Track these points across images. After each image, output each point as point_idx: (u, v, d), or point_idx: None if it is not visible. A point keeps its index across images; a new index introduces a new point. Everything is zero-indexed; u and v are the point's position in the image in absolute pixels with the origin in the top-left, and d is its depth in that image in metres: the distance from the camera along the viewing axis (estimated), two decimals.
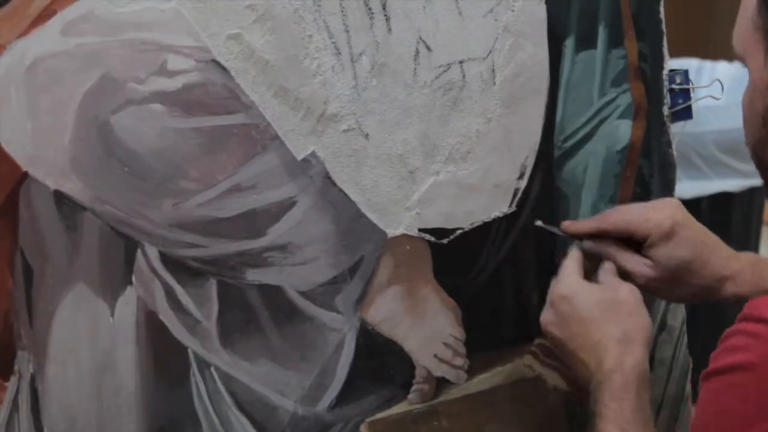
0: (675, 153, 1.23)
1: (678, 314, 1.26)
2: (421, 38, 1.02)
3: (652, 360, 1.25)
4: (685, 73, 1.21)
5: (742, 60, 0.90)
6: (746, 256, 1.08)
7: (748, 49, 0.88)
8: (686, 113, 1.21)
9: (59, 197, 0.89)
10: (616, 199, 1.19)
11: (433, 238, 1.06)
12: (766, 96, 0.87)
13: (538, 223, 1.10)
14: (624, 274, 1.05)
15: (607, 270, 1.04)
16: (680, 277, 1.05)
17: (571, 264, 1.04)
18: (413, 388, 1.07)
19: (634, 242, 1.06)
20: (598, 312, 0.98)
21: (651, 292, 1.06)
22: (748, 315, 0.80)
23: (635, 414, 0.93)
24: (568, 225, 1.08)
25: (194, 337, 0.95)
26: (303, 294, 0.99)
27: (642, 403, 0.94)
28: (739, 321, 0.81)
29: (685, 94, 1.21)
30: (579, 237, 1.07)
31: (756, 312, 0.79)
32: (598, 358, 0.96)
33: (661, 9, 1.19)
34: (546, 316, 1.02)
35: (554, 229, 1.10)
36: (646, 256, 1.05)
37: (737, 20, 0.89)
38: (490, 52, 1.06)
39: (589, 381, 0.97)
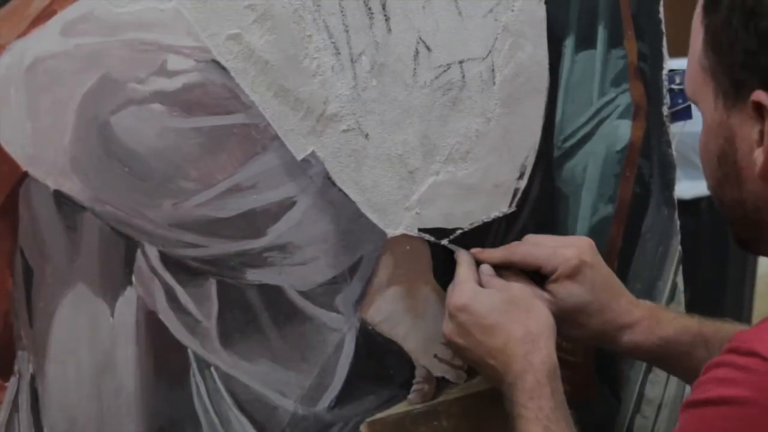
0: (675, 153, 1.23)
1: None
2: (420, 38, 1.02)
3: None
4: (684, 73, 1.21)
5: (695, 103, 0.89)
6: (646, 305, 1.08)
7: (698, 92, 0.87)
8: (686, 113, 1.21)
9: (59, 197, 0.89)
10: (615, 199, 1.19)
11: (432, 238, 1.06)
12: (719, 137, 0.86)
13: (445, 242, 1.07)
14: None
15: (485, 272, 1.04)
16: (576, 318, 1.05)
17: (464, 270, 1.03)
18: (413, 388, 1.07)
19: (539, 275, 1.06)
20: (497, 316, 0.99)
21: None
22: (736, 348, 0.78)
23: (555, 411, 0.94)
24: (477, 252, 1.07)
25: (194, 337, 0.95)
26: (303, 294, 0.99)
27: (559, 399, 0.96)
28: (726, 352, 0.79)
29: (685, 94, 1.21)
30: (486, 262, 1.06)
31: (744, 345, 0.77)
32: (505, 361, 0.97)
33: (661, 9, 1.19)
34: (447, 328, 1.01)
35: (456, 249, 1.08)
36: (546, 290, 1.05)
37: (687, 62, 0.88)
38: (490, 52, 1.06)
39: (501, 384, 0.97)
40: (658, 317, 1.06)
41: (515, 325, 0.98)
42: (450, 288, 1.03)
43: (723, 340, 0.88)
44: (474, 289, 1.01)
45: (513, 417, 0.95)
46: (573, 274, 1.04)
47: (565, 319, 1.04)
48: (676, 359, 1.04)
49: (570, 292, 1.04)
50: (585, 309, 1.05)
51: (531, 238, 1.08)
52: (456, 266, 1.05)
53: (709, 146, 0.88)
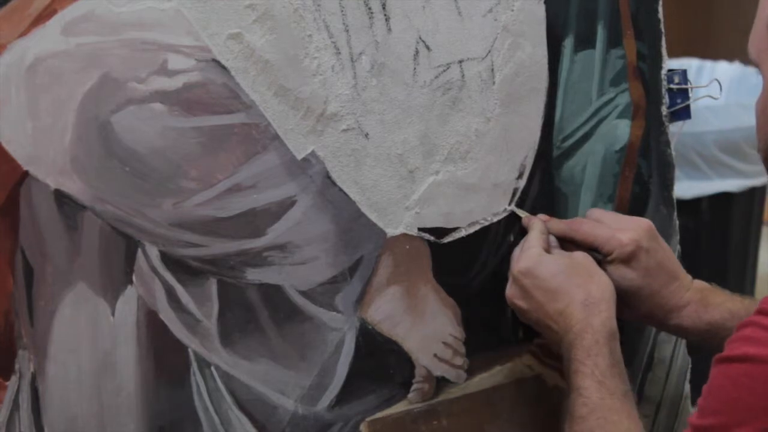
0: (674, 153, 1.23)
1: None
2: (420, 38, 1.02)
3: (651, 357, 1.26)
4: (684, 72, 1.21)
5: (757, 65, 0.90)
6: (698, 287, 1.10)
7: (762, 55, 0.88)
8: (685, 113, 1.21)
9: (60, 196, 0.89)
10: (614, 199, 1.19)
11: (432, 238, 1.06)
12: None
13: (512, 207, 1.10)
14: None
15: (550, 243, 1.08)
16: (627, 300, 1.07)
17: (534, 236, 1.06)
18: (413, 387, 1.07)
19: (598, 253, 1.08)
20: (560, 279, 1.02)
21: None
22: (763, 309, 0.82)
23: (611, 368, 0.97)
24: (544, 218, 1.10)
25: (194, 336, 0.95)
26: (303, 293, 0.99)
27: (615, 357, 0.98)
28: (756, 313, 0.83)
29: (684, 93, 1.21)
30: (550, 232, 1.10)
31: None
32: (566, 322, 1.00)
33: (660, 9, 1.19)
34: (510, 291, 1.05)
35: (527, 215, 1.11)
36: (602, 269, 1.06)
37: (753, 25, 0.89)
38: (490, 51, 1.06)
39: (560, 345, 1.00)
40: (706, 301, 1.08)
41: (577, 289, 1.01)
42: (516, 252, 1.07)
43: None
44: (540, 254, 1.04)
45: (569, 373, 0.98)
46: (628, 259, 1.06)
47: (618, 300, 1.05)
48: (720, 342, 1.05)
49: (623, 275, 1.06)
50: (636, 293, 1.07)
51: (595, 214, 1.12)
52: (528, 231, 1.08)
53: (767, 111, 0.89)
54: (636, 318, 1.11)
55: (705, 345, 1.14)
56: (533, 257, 1.04)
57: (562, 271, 1.02)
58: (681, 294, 1.08)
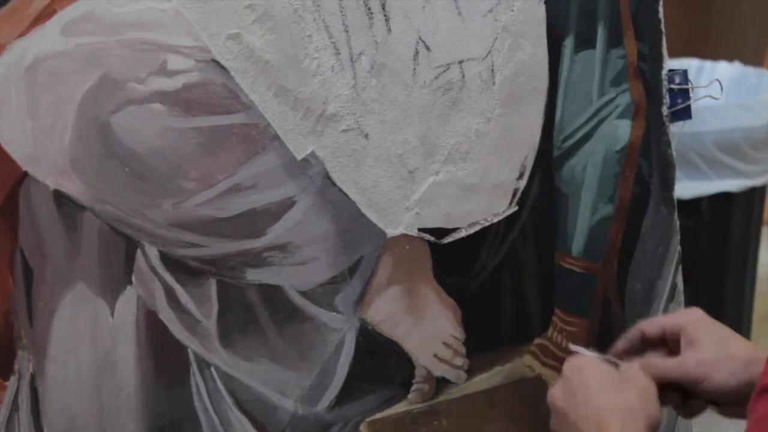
0: (674, 153, 1.23)
1: None
2: (420, 38, 1.02)
3: None
4: (684, 72, 1.21)
5: None
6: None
7: None
8: (685, 113, 1.21)
9: (59, 197, 0.89)
10: (615, 199, 1.19)
11: (432, 238, 1.06)
12: None
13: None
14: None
15: (631, 365, 1.01)
16: (720, 354, 0.99)
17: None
18: (413, 387, 1.07)
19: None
20: (606, 384, 0.95)
21: (697, 377, 1.00)
22: None
23: None
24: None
25: (194, 336, 0.95)
26: (303, 294, 0.99)
27: None
28: None
29: (684, 93, 1.21)
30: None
31: None
32: (599, 427, 0.92)
33: (661, 9, 1.19)
34: (554, 389, 0.98)
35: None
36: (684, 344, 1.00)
37: None
38: (490, 52, 1.06)
39: None
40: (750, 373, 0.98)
41: (619, 398, 0.93)
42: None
43: None
44: (597, 360, 0.99)
45: None
46: (702, 320, 1.01)
47: (713, 359, 0.99)
48: None
49: (706, 330, 1.00)
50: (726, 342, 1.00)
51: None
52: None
53: None
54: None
55: None
56: (589, 360, 0.99)
57: (611, 379, 0.95)
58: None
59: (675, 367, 0.99)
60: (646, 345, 1.03)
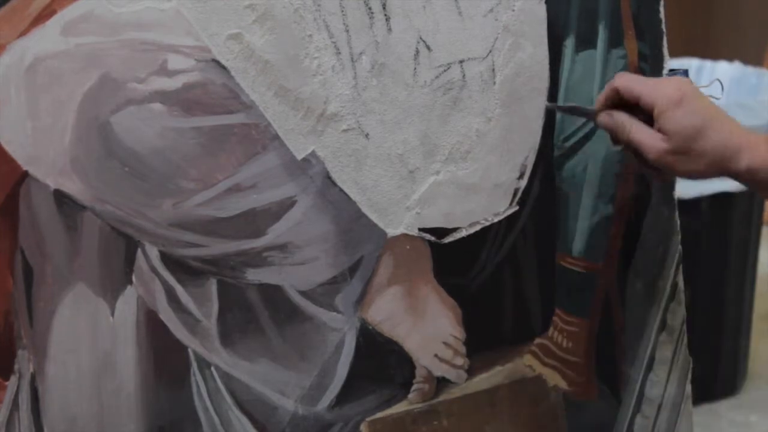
0: None
1: (678, 314, 1.26)
2: (421, 38, 1.02)
3: (652, 358, 1.26)
4: (685, 72, 1.21)
5: None
6: (761, 134, 1.03)
7: None
8: None
9: (59, 197, 0.89)
10: (615, 199, 1.19)
11: (433, 238, 1.06)
12: None
13: (552, 105, 1.08)
14: (636, 152, 1.04)
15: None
16: (692, 147, 1.00)
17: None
18: (413, 387, 1.07)
19: (646, 116, 1.03)
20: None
21: (664, 167, 1.03)
22: None
23: None
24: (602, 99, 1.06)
25: (194, 336, 0.95)
26: (303, 293, 0.99)
27: None
28: None
29: None
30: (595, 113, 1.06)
31: None
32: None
33: (662, 9, 1.19)
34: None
35: (572, 108, 1.08)
36: (657, 129, 1.01)
37: None
38: (490, 51, 1.06)
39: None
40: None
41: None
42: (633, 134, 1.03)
43: None
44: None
45: None
46: (678, 104, 1.00)
47: (683, 150, 1.00)
48: None
49: (680, 122, 1.00)
50: (701, 131, 1.00)
51: (629, 76, 1.06)
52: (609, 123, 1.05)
53: None
54: (705, 167, 1.02)
55: None
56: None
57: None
58: (744, 132, 1.01)
59: (644, 143, 1.02)
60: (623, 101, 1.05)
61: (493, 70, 1.07)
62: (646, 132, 1.01)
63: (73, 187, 0.89)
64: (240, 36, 0.92)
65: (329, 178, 0.98)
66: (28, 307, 0.90)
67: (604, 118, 1.04)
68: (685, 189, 2.71)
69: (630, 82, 1.03)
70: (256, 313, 0.98)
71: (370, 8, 0.98)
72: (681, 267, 1.26)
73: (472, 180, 1.07)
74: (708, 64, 3.16)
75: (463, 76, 1.05)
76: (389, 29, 1.00)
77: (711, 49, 3.43)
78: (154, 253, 0.92)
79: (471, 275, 1.10)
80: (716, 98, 1.15)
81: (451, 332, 1.09)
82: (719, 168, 1.02)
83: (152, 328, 0.94)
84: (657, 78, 1.06)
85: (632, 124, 1.02)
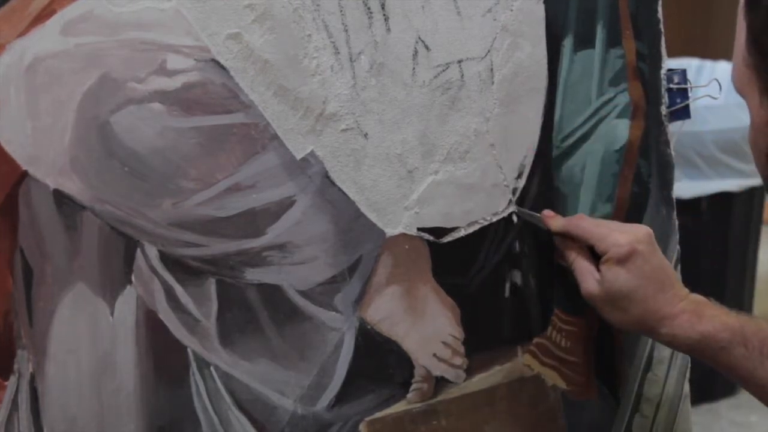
0: (673, 152, 1.23)
1: None
2: (419, 38, 1.02)
3: (651, 357, 1.26)
4: (683, 72, 1.21)
5: (742, 96, 0.88)
6: (693, 299, 1.09)
7: (744, 88, 0.86)
8: (684, 113, 1.21)
9: (59, 197, 0.89)
10: (614, 199, 1.19)
11: (432, 238, 1.06)
12: (767, 135, 0.85)
13: (517, 210, 1.11)
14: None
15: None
16: (619, 303, 1.07)
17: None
18: (412, 387, 1.07)
19: (596, 256, 1.08)
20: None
21: (593, 305, 1.10)
22: None
23: None
24: (547, 214, 1.11)
25: (194, 336, 0.95)
26: (302, 293, 0.99)
27: None
28: None
29: (683, 93, 1.21)
30: (551, 231, 1.11)
31: None
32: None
33: (660, 9, 1.19)
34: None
35: (533, 216, 1.12)
36: (598, 270, 1.07)
37: (733, 55, 0.87)
38: (489, 51, 1.07)
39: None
40: (701, 312, 1.07)
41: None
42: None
43: (764, 340, 0.96)
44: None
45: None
46: (623, 261, 1.06)
47: (609, 302, 1.06)
48: (712, 354, 1.05)
49: (617, 276, 1.06)
50: (629, 295, 1.06)
51: (592, 219, 1.12)
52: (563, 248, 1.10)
53: (758, 143, 0.88)
54: (627, 324, 1.10)
55: (696, 356, 1.13)
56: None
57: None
58: (675, 303, 1.07)
59: (581, 276, 1.09)
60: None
61: (492, 69, 1.07)
62: (586, 267, 1.08)
63: (72, 186, 0.89)
64: (239, 36, 0.92)
65: (328, 177, 0.98)
66: (28, 307, 0.90)
67: (558, 240, 1.11)
68: (685, 189, 2.71)
69: (587, 231, 1.09)
70: (256, 313, 0.98)
71: (368, 8, 0.98)
72: (680, 266, 1.26)
73: (470, 180, 1.07)
74: (708, 63, 3.16)
75: (462, 75, 1.05)
76: (388, 29, 1.00)
77: (710, 49, 3.43)
78: (153, 252, 0.93)
79: (470, 275, 1.10)
80: (714, 98, 1.16)
81: (449, 332, 1.09)
82: (641, 329, 1.10)
83: (152, 327, 0.94)
84: (620, 225, 1.12)
85: (577, 257, 1.09)
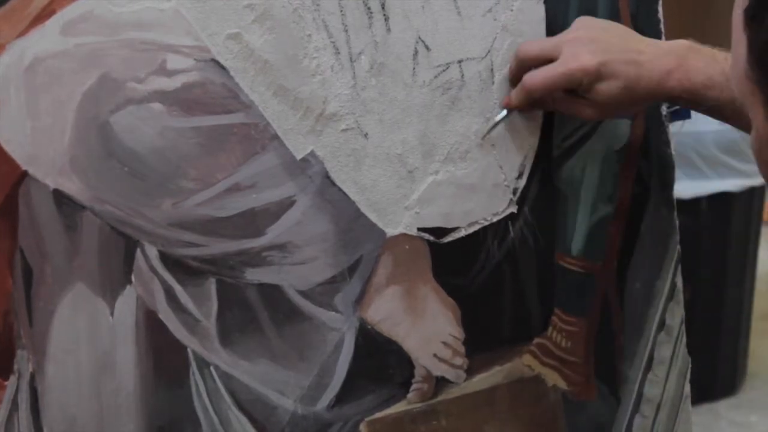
0: (674, 152, 1.23)
1: (677, 314, 1.26)
2: (419, 38, 1.02)
3: (651, 358, 1.26)
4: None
5: (743, 106, 0.88)
6: (676, 48, 1.05)
7: (746, 98, 0.85)
8: (685, 113, 1.21)
9: (59, 197, 0.89)
10: (615, 199, 1.19)
11: (432, 238, 1.06)
12: None
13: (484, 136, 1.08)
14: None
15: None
16: (622, 102, 1.05)
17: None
18: (412, 387, 1.07)
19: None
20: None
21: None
22: None
23: None
24: (504, 103, 1.08)
25: (194, 336, 0.95)
26: (302, 293, 0.99)
27: None
28: None
29: None
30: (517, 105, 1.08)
31: None
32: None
33: (660, 9, 1.19)
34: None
35: (500, 116, 1.08)
36: (585, 98, 1.05)
37: (732, 60, 0.86)
38: (489, 51, 1.07)
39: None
40: (686, 67, 1.04)
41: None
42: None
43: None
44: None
45: None
46: (598, 78, 1.03)
47: (615, 108, 1.06)
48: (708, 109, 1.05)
49: (603, 93, 1.04)
50: (625, 93, 1.04)
51: (529, 47, 1.08)
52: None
53: (763, 156, 0.86)
54: (642, 103, 1.10)
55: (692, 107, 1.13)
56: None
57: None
58: (663, 59, 1.04)
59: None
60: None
61: (492, 69, 1.07)
62: (576, 104, 1.07)
63: (72, 186, 0.89)
64: (239, 36, 0.92)
65: (328, 177, 0.98)
66: (28, 307, 0.90)
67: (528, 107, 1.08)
68: (685, 189, 2.71)
69: (529, 49, 1.06)
70: (256, 313, 0.98)
71: (369, 8, 0.98)
72: (680, 267, 1.26)
73: (470, 180, 1.07)
74: None
75: (462, 75, 1.05)
76: (388, 29, 1.00)
77: None
78: (153, 252, 0.93)
79: (471, 275, 1.10)
80: None
81: (450, 332, 1.09)
82: (653, 99, 1.08)
83: (151, 327, 0.94)
84: (561, 46, 1.06)
85: (562, 101, 1.07)
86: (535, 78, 1.05)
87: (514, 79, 1.07)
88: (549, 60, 1.04)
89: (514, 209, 1.11)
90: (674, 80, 1.03)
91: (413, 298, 1.06)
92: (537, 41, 1.07)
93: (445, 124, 1.05)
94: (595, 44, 1.04)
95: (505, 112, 1.07)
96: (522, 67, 1.06)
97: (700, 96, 1.03)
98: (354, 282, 1.02)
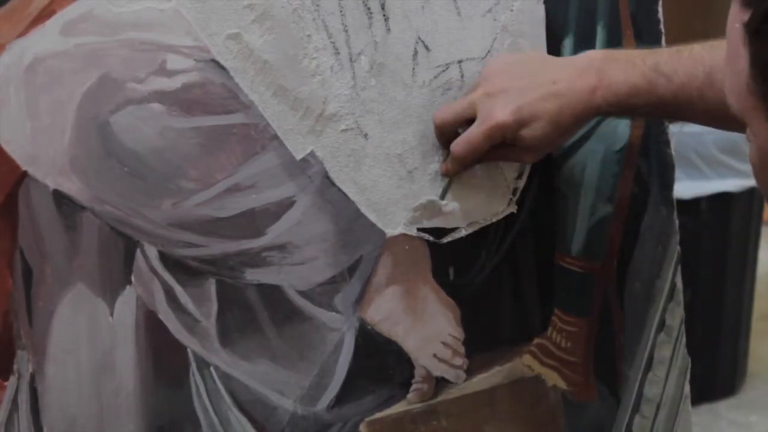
0: (673, 153, 1.23)
1: (677, 314, 1.26)
2: (419, 38, 1.02)
3: (651, 358, 1.26)
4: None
5: (741, 118, 0.86)
6: (592, 62, 1.02)
7: (747, 112, 0.83)
8: None
9: (59, 197, 0.89)
10: (614, 199, 1.19)
11: (432, 238, 1.06)
12: None
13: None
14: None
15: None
16: (552, 137, 1.02)
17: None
18: (412, 387, 1.07)
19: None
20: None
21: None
22: None
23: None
24: (442, 171, 1.06)
25: (193, 336, 0.95)
26: (302, 293, 0.99)
27: None
28: None
29: None
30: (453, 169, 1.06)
31: None
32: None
33: (660, 9, 1.19)
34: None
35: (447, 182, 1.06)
36: (518, 146, 1.02)
37: (729, 73, 0.84)
38: (489, 51, 1.07)
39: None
40: (608, 82, 1.01)
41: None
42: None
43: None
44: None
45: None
46: (521, 125, 1.00)
47: (549, 144, 1.03)
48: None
49: (532, 136, 1.01)
50: (553, 129, 1.01)
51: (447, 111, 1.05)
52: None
53: (765, 170, 0.85)
54: (579, 126, 1.06)
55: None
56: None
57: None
58: (580, 89, 1.01)
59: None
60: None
61: None
62: (512, 153, 1.05)
63: (72, 187, 0.89)
64: (239, 36, 0.92)
65: (328, 178, 0.98)
66: (28, 307, 0.90)
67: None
68: (685, 189, 2.71)
69: (444, 116, 1.04)
70: (256, 313, 0.98)
71: (368, 8, 0.98)
72: (679, 267, 1.26)
73: (470, 180, 1.07)
74: None
75: (462, 76, 1.05)
76: (388, 29, 1.00)
77: None
78: (153, 253, 0.93)
79: (470, 275, 1.10)
80: None
81: (449, 332, 1.09)
82: (589, 116, 1.04)
83: (151, 328, 0.94)
84: (468, 97, 1.04)
85: (497, 154, 1.04)
86: (459, 147, 1.03)
87: (443, 145, 1.05)
88: (469, 120, 1.02)
89: (513, 209, 1.11)
90: (599, 98, 1.00)
91: (413, 298, 1.06)
92: (449, 106, 1.04)
93: None
94: (505, 94, 1.00)
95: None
96: (444, 133, 1.04)
97: (629, 105, 1.01)
98: (354, 282, 1.02)
